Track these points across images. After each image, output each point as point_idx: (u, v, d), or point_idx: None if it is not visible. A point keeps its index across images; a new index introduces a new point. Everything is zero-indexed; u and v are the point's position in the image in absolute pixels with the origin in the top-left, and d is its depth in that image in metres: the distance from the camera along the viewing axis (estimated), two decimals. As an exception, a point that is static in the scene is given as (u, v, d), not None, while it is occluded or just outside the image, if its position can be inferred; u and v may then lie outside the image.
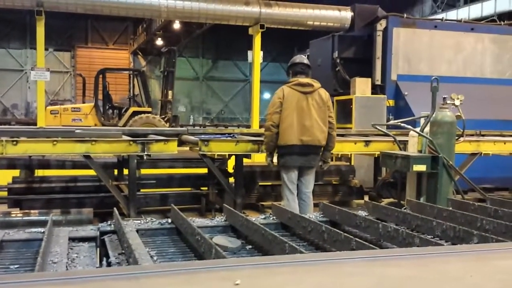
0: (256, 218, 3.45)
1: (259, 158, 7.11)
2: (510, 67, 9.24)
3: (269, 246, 2.70)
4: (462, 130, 5.44)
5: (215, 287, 1.65)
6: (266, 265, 1.93)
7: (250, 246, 2.98)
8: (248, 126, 10.54)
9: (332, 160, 6.71)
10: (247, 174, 6.45)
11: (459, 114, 5.27)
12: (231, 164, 6.35)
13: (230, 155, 6.01)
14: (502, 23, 9.87)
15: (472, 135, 6.45)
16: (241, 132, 6.81)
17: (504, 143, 6.36)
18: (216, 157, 6.00)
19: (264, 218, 3.45)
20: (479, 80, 8.95)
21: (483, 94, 8.46)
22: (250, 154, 6.16)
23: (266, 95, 27.06)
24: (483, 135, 6.74)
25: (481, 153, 6.12)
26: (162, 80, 15.64)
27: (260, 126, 9.76)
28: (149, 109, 14.21)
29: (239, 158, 6.01)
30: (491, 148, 6.22)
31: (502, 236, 2.64)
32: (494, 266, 2.02)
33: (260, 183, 6.77)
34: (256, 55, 10.25)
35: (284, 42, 24.30)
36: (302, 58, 5.47)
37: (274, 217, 3.46)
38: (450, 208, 3.43)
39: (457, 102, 5.28)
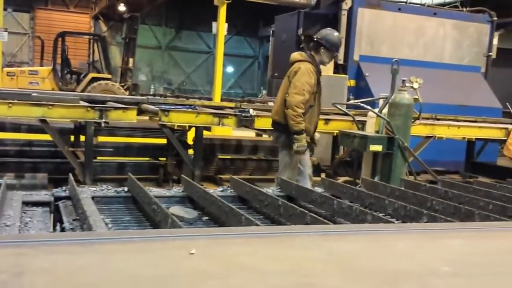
0: (214, 190, 3.46)
1: (219, 131, 7.10)
2: (469, 53, 9.47)
3: (226, 218, 2.72)
4: (418, 113, 5.57)
5: (170, 256, 1.65)
6: (221, 236, 1.95)
7: (206, 218, 3.00)
8: (210, 99, 10.45)
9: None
10: (206, 146, 6.43)
11: (417, 97, 5.38)
12: (190, 136, 6.32)
13: (190, 127, 5.97)
14: (464, 9, 10.08)
15: (428, 118, 6.62)
16: (203, 104, 6.76)
17: (458, 128, 6.56)
18: (176, 128, 5.95)
19: (222, 191, 3.47)
20: (439, 65, 9.14)
21: (441, 79, 8.66)
22: (210, 127, 6.14)
23: (230, 69, 26.88)
24: (438, 119, 6.92)
25: (435, 136, 6.29)
26: (123, 47, 15.28)
27: (221, 100, 9.72)
28: (109, 76, 13.90)
29: (199, 130, 5.98)
30: (445, 132, 6.40)
31: (451, 217, 2.74)
32: (441, 245, 2.10)
33: (219, 156, 6.77)
34: (221, 27, 10.11)
35: (250, 16, 24.06)
36: (318, 33, 5.00)
37: (232, 190, 3.48)
38: (403, 188, 3.53)
39: (415, 86, 5.39)
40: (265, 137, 7.61)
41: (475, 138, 7.02)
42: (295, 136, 4.70)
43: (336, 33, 5.00)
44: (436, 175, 5.84)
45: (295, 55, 4.93)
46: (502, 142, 6.74)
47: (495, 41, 9.74)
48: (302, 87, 4.70)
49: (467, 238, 2.21)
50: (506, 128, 6.63)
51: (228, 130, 7.48)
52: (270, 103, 9.75)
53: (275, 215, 2.95)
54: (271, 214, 3.02)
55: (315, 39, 4.87)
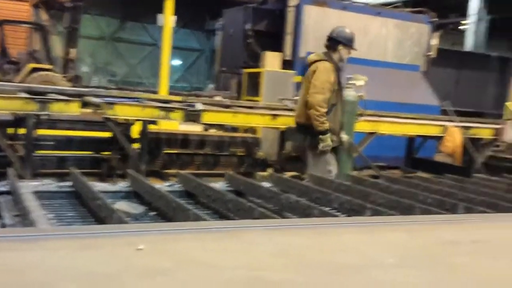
0: (161, 185, 3.42)
1: (165, 125, 7.00)
2: (410, 52, 9.79)
3: (173, 213, 2.69)
4: (363, 110, 5.72)
5: (117, 252, 1.62)
6: (170, 231, 1.93)
7: (153, 213, 2.96)
8: (155, 92, 10.28)
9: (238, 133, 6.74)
10: (152, 140, 6.33)
11: (361, 94, 5.52)
12: (136, 129, 6.19)
13: (135, 120, 5.86)
14: (406, 9, 10.40)
15: (372, 115, 6.80)
16: (149, 97, 6.64)
17: (399, 125, 6.78)
18: (120, 121, 5.82)
19: (169, 186, 3.43)
20: (382, 63, 9.40)
21: (384, 77, 8.91)
22: (156, 121, 6.04)
23: (176, 62, 26.53)
24: (381, 116, 7.12)
25: (378, 132, 6.47)
26: (65, 37, 14.76)
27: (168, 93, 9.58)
28: (50, 67, 13.40)
29: (145, 123, 5.88)
30: (387, 129, 6.59)
31: (393, 210, 2.84)
32: (384, 237, 2.17)
33: (165, 151, 6.68)
34: (168, 19, 9.95)
35: (197, 9, 23.84)
36: (331, 31, 5.01)
37: (180, 185, 3.45)
38: (348, 183, 3.62)
39: (360, 83, 5.52)
40: (212, 131, 7.58)
41: (415, 135, 7.28)
42: (320, 136, 4.68)
43: (347, 29, 5.03)
44: (379, 170, 6.01)
45: (312, 56, 4.95)
46: (440, 138, 7.02)
47: (435, 41, 10.12)
48: (321, 86, 4.68)
49: (408, 230, 2.30)
50: (444, 125, 6.91)
51: (174, 124, 7.38)
52: (218, 98, 9.72)
53: (224, 210, 2.95)
54: (219, 209, 3.02)
55: (332, 38, 4.89)
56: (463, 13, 19.33)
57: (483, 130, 7.15)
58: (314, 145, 4.77)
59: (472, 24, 17.61)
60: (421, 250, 1.99)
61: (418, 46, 9.86)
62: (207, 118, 5.74)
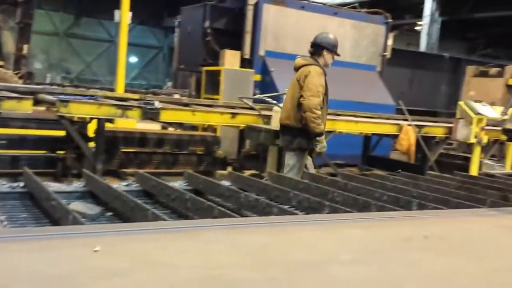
0: (117, 185, 3.36)
1: (122, 124, 6.88)
2: (366, 52, 9.98)
3: (131, 213, 2.66)
4: (321, 109, 5.78)
5: (73, 254, 1.58)
6: (127, 232, 1.91)
7: (110, 213, 2.91)
8: (112, 90, 10.08)
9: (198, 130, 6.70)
10: (109, 139, 6.21)
11: (319, 93, 5.57)
12: (92, 128, 6.06)
13: (91, 119, 5.73)
14: (362, 10, 10.57)
15: (329, 114, 6.88)
16: (105, 95, 6.51)
17: (356, 123, 6.90)
18: (76, 119, 5.68)
19: (127, 185, 3.38)
20: (339, 63, 9.49)
21: (341, 77, 9.04)
22: (113, 119, 5.92)
23: (133, 59, 26.12)
24: (338, 115, 7.23)
25: (336, 131, 6.57)
26: (17, 33, 14.28)
27: (125, 91, 9.44)
28: (1, 63, 12.94)
29: (101, 122, 5.76)
30: (344, 127, 6.70)
31: (350, 207, 2.89)
32: (342, 233, 2.21)
33: (122, 149, 6.56)
34: (124, 15, 9.78)
35: (155, 5, 23.56)
36: (315, 37, 5.13)
37: (137, 184, 3.40)
38: (306, 181, 3.66)
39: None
40: (171, 130, 7.51)
41: (371, 133, 7.43)
42: (317, 138, 4.81)
43: (331, 35, 5.20)
44: (337, 168, 6.11)
45: (300, 61, 5.05)
46: (395, 137, 7.20)
47: (390, 42, 10.35)
48: (316, 89, 4.80)
49: (365, 227, 2.35)
50: (399, 124, 7.09)
51: (132, 123, 7.27)
52: (176, 96, 9.64)
53: (183, 209, 2.93)
54: (178, 208, 3.00)
55: (316, 43, 5.02)
56: (418, 15, 19.87)
57: (436, 129, 7.37)
58: (303, 147, 4.91)
59: (426, 26, 18.11)
60: (376, 246, 2.03)
61: (374, 46, 10.06)
62: (166, 116, 5.68)
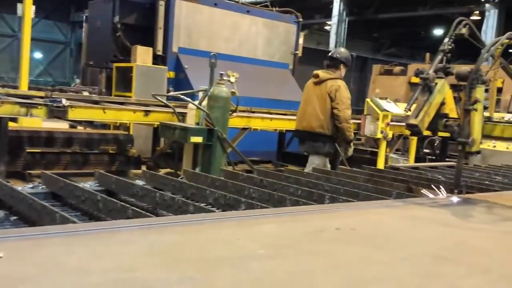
0: (22, 187, 3.17)
1: (27, 122, 6.50)
2: (279, 51, 10.17)
3: (38, 217, 2.51)
4: (236, 106, 5.82)
5: (-29, 263, 1.47)
6: (33, 236, 1.81)
7: (15, 217, 2.74)
8: (16, 87, 9.50)
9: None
10: (12, 139, 5.85)
11: (234, 90, 5.61)
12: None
13: (-8, 118, 5.36)
14: (274, 9, 10.76)
15: (244, 111, 6.94)
16: (7, 92, 6.11)
17: (271, 120, 7.02)
18: (-25, 119, 5.29)
19: (33, 187, 3.20)
20: (252, 60, 9.64)
21: (255, 74, 9.16)
22: (17, 118, 5.59)
23: (37, 55, 24.80)
24: (253, 112, 7.31)
25: (251, 128, 6.64)
26: None
27: (29, 88, 8.91)
28: None
29: (3, 121, 5.41)
30: (259, 124, 6.79)
31: (266, 203, 2.93)
32: (258, 229, 2.24)
33: (27, 150, 6.21)
34: (27, 8, 9.24)
35: (61, -1, 22.50)
36: (333, 51, 5.82)
37: (44, 186, 3.23)
38: (222, 178, 3.66)
39: (232, 79, 5.61)
40: (80, 128, 7.21)
41: (285, 130, 7.59)
42: (350, 144, 5.69)
43: (345, 49, 6.02)
44: (252, 165, 6.17)
45: (323, 74, 5.59)
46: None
47: (301, 41, 10.62)
48: (348, 102, 5.51)
49: (280, 222, 2.39)
50: (311, 120, 7.29)
51: (37, 121, 6.88)
52: (85, 93, 9.27)
53: (94, 211, 2.82)
54: (89, 210, 2.88)
55: (334, 58, 5.67)
56: (327, 15, 20.54)
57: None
58: (331, 151, 5.64)
59: (334, 25, 18.78)
60: (290, 240, 2.08)
61: (286, 45, 10.28)
62: (74, 114, 5.44)
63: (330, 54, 5.79)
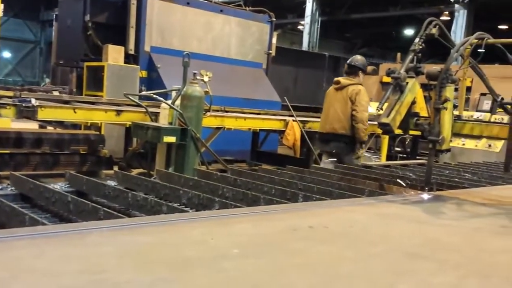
0: (-10, 189, 3.10)
1: (-4, 123, 6.35)
2: (252, 50, 10.17)
3: (6, 219, 2.46)
4: (209, 105, 5.80)
5: None
6: (2, 239, 1.76)
7: (-19, 220, 2.66)
8: (-17, 87, 9.29)
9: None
10: (-21, 140, 5.70)
11: (207, 90, 5.58)
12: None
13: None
14: (247, 8, 10.75)
15: (218, 110, 6.92)
16: (-26, 92, 5.97)
17: (244, 120, 7.01)
18: None
19: (1, 189, 3.12)
20: (226, 60, 9.62)
21: (228, 73, 9.14)
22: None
23: (6, 54, 24.29)
24: (227, 111, 7.30)
25: (225, 127, 6.62)
26: None
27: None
28: None
29: (-30, 122, 5.27)
30: (233, 124, 6.78)
31: (239, 202, 2.92)
32: (231, 228, 2.23)
33: (-5, 151, 6.06)
34: (-5, 6, 9.04)
35: (30, -3, 22.07)
36: (350, 60, 6.11)
37: (13, 188, 3.15)
38: (196, 178, 3.64)
39: (205, 79, 5.59)
40: (50, 129, 7.07)
41: (259, 129, 7.60)
42: (362, 145, 6.02)
43: (362, 57, 6.23)
44: (226, 164, 6.16)
45: (345, 80, 5.96)
46: (282, 132, 7.42)
47: (274, 40, 10.64)
48: (367, 105, 5.91)
49: (254, 221, 2.39)
50: (285, 120, 7.32)
51: (6, 122, 6.73)
52: (55, 92, 9.10)
53: (64, 212, 2.77)
54: (59, 211, 2.83)
55: (353, 65, 6.02)
56: (300, 14, 20.64)
57: (318, 124, 7.71)
58: (350, 150, 5.90)
59: (307, 25, 18.89)
60: (264, 238, 2.08)
61: (259, 44, 10.28)
62: (44, 114, 5.34)
63: (348, 62, 6.16)
